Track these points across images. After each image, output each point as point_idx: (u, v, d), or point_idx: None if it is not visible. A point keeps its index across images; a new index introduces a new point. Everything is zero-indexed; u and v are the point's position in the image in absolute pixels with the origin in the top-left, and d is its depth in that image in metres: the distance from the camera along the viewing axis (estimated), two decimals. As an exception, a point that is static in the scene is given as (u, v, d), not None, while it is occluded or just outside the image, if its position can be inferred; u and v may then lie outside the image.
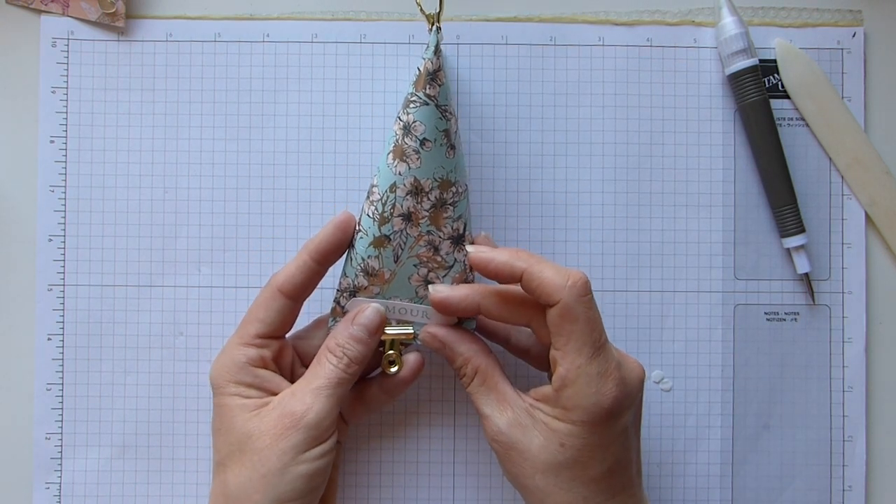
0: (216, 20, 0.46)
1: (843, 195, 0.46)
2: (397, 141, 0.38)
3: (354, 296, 0.40)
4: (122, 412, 0.45)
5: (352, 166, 0.46)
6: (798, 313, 0.46)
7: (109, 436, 0.45)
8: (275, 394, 0.38)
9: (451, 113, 0.39)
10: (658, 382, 0.46)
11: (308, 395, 0.37)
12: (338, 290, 0.40)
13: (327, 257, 0.39)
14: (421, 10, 0.39)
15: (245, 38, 0.46)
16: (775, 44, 0.46)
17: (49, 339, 0.45)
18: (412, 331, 0.41)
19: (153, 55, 0.46)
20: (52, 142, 0.46)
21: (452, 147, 0.39)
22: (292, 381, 0.39)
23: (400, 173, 0.38)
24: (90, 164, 0.46)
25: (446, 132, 0.38)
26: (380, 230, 0.39)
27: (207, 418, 0.45)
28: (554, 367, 0.36)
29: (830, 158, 0.46)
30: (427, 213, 0.39)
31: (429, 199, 0.39)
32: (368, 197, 0.39)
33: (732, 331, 0.46)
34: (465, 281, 0.40)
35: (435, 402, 0.46)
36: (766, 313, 0.46)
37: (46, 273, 0.45)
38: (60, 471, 0.45)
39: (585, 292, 0.35)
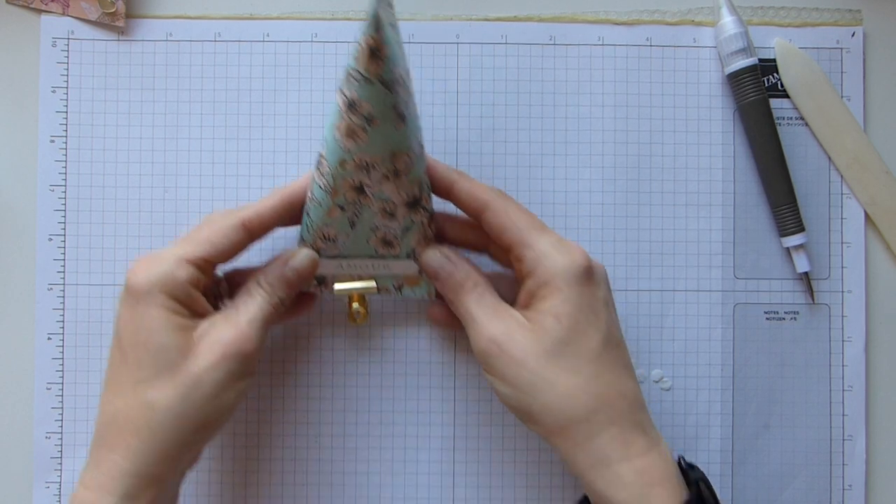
0: (216, 20, 0.46)
1: (842, 194, 0.47)
2: (342, 116, 0.36)
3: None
4: (122, 412, 0.45)
5: (352, 166, 0.46)
6: (798, 313, 0.46)
7: (109, 435, 0.45)
8: (200, 316, 0.38)
9: (397, 82, 0.35)
10: (658, 382, 0.46)
11: (245, 326, 0.37)
12: None
13: (297, 209, 0.40)
14: None
15: (245, 38, 0.46)
16: (775, 43, 0.46)
17: (49, 338, 0.45)
18: (375, 284, 0.42)
19: (153, 55, 0.46)
20: (52, 142, 0.46)
21: (401, 117, 0.36)
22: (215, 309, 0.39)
23: (348, 150, 0.37)
24: (90, 163, 0.46)
25: (394, 105, 0.36)
26: (332, 201, 0.39)
27: (207, 418, 0.45)
28: (522, 259, 0.38)
29: (830, 158, 0.46)
30: (379, 185, 0.38)
31: (379, 171, 0.38)
32: (318, 168, 0.38)
33: (732, 330, 0.46)
34: (425, 239, 0.41)
35: (435, 402, 0.46)
36: (765, 313, 0.46)
37: (46, 273, 0.45)
38: (60, 470, 0.45)
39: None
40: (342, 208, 0.39)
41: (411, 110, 0.38)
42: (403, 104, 0.36)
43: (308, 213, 0.40)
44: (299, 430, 0.45)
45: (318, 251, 0.41)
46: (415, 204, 0.39)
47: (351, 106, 0.36)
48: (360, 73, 0.35)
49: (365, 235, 0.40)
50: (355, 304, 0.43)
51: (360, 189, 0.38)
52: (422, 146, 0.39)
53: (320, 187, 0.39)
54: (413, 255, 0.41)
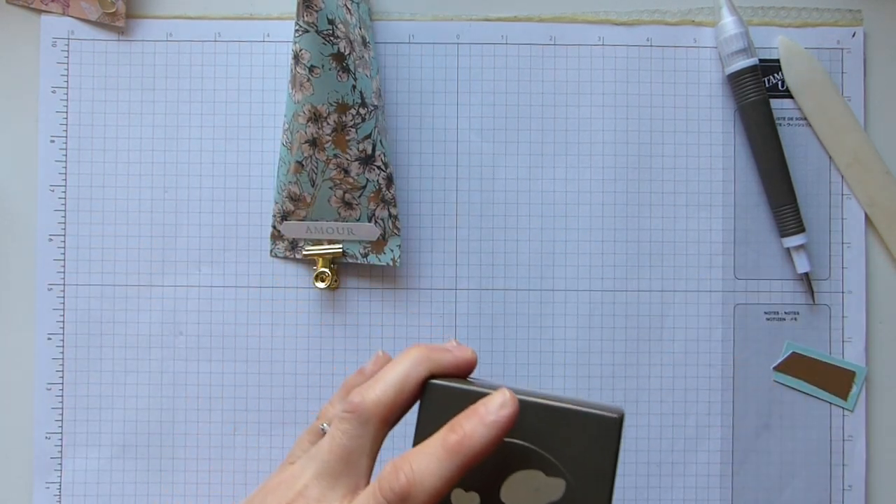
0: (216, 20, 0.46)
1: (842, 195, 0.46)
2: (291, 70, 0.41)
3: (286, 219, 0.44)
4: (122, 412, 0.45)
5: (352, 166, 0.46)
6: (798, 313, 0.46)
7: (109, 435, 0.45)
8: None
9: (337, 37, 0.39)
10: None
11: None
12: (273, 216, 0.44)
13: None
14: None
15: (245, 38, 0.46)
16: (779, 42, 0.46)
17: (49, 338, 0.45)
18: (341, 248, 0.44)
19: (153, 55, 0.46)
20: (52, 142, 0.46)
21: (346, 70, 0.40)
22: None
23: (297, 101, 0.41)
24: (90, 164, 0.46)
25: (335, 56, 0.40)
26: (293, 157, 0.42)
27: (208, 418, 0.45)
28: None
29: (830, 158, 0.46)
30: (330, 138, 0.41)
31: (328, 123, 0.41)
32: (283, 127, 0.43)
33: (732, 330, 0.46)
34: (383, 201, 0.43)
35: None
36: (765, 313, 0.46)
37: (46, 273, 0.45)
38: (60, 470, 0.45)
39: None
40: (301, 164, 0.42)
41: (360, 70, 0.41)
42: (350, 58, 0.40)
43: (276, 175, 0.44)
44: (299, 432, 0.45)
45: (287, 214, 0.44)
46: (367, 161, 0.42)
47: (296, 57, 0.40)
48: (298, 24, 0.39)
49: (326, 195, 0.43)
50: (323, 270, 0.44)
51: (313, 143, 0.41)
52: (375, 107, 0.42)
53: (283, 144, 0.43)
54: (373, 218, 0.43)
